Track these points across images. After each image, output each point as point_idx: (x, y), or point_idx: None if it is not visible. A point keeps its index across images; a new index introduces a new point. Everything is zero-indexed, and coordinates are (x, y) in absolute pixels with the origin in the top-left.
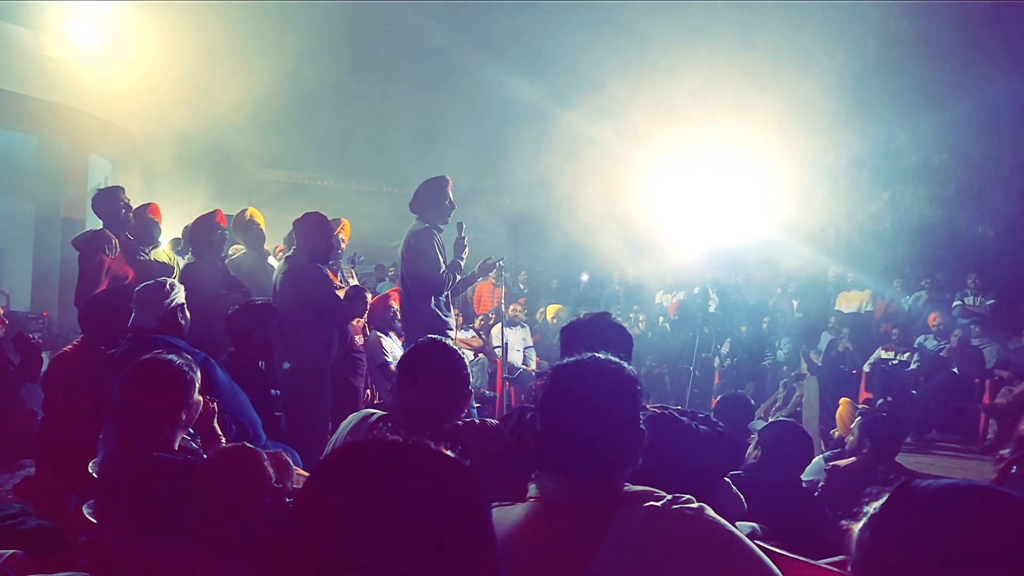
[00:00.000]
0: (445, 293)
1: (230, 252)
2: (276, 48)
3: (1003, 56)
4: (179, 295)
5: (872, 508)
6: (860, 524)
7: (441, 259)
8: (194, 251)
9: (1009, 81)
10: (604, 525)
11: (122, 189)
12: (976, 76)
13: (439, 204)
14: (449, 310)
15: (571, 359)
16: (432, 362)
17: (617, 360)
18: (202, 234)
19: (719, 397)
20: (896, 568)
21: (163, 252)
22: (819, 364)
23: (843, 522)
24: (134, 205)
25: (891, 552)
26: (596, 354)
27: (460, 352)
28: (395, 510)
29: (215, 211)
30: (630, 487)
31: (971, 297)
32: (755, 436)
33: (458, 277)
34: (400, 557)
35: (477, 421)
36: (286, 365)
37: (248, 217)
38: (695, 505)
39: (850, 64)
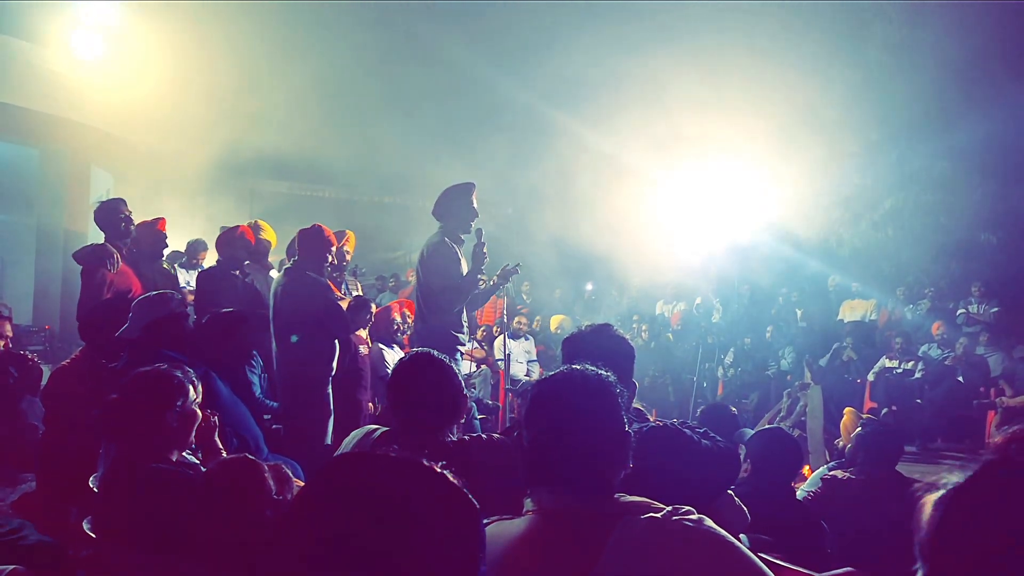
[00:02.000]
0: (459, 308)
1: None
2: (277, 60)
3: (1006, 64)
4: (171, 307)
5: (952, 480)
6: (936, 496)
7: (457, 272)
8: (217, 263)
9: (1012, 88)
10: (604, 536)
11: (123, 201)
12: (979, 83)
13: (462, 211)
14: (462, 326)
15: (549, 373)
16: (421, 377)
17: (593, 369)
18: (225, 248)
19: (700, 410)
20: (973, 546)
21: (166, 265)
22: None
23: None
24: (136, 217)
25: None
26: (573, 366)
27: (448, 361)
28: (383, 523)
29: (237, 226)
30: (626, 497)
31: (975, 305)
32: (743, 448)
33: (474, 291)
34: (387, 568)
35: (484, 436)
36: (294, 338)
37: (239, 235)
38: (695, 516)
39: (852, 72)
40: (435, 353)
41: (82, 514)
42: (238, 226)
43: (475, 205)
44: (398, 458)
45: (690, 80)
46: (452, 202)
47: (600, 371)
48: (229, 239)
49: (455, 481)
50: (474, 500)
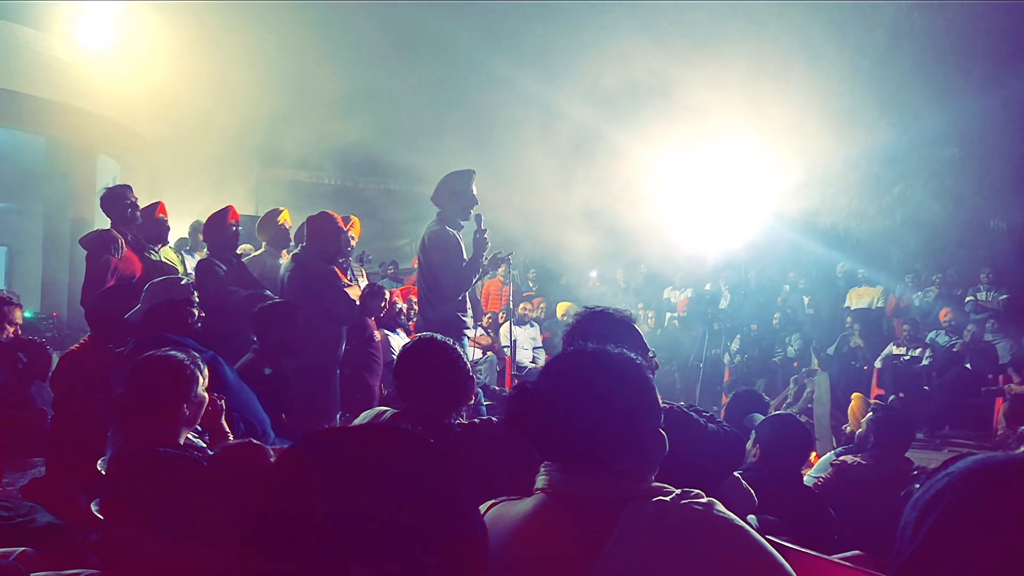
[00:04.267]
0: (463, 293)
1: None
2: (283, 48)
3: (1014, 49)
4: (180, 292)
5: (929, 485)
6: (916, 503)
7: (459, 258)
8: (208, 248)
9: (1021, 74)
10: (612, 519)
11: (129, 188)
12: (988, 69)
13: (461, 198)
14: (466, 310)
15: (571, 349)
16: (426, 361)
17: (622, 350)
18: (214, 230)
19: (731, 394)
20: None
21: (171, 251)
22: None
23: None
24: (141, 205)
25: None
26: (597, 346)
27: (452, 344)
28: (362, 493)
29: (227, 208)
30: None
31: (984, 292)
32: (753, 433)
33: (477, 276)
34: (367, 541)
35: (492, 420)
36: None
37: (280, 222)
38: (704, 500)
39: (861, 58)
40: (439, 337)
41: (92, 498)
42: (227, 208)
43: (474, 192)
44: (375, 425)
45: (700, 70)
46: (452, 188)
47: (628, 352)
48: (212, 223)
49: (432, 446)
50: (448, 463)
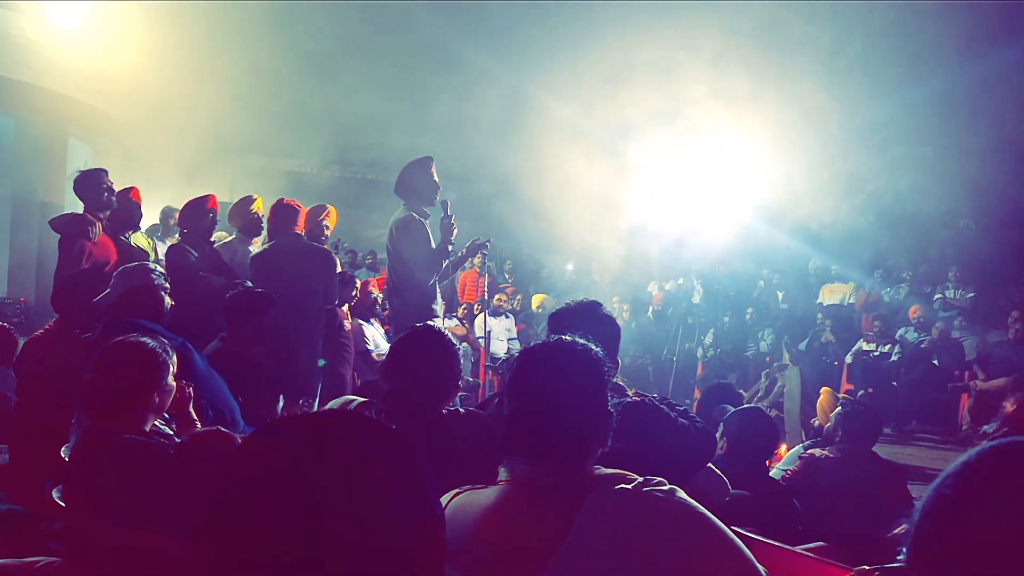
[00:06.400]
0: (433, 280)
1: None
2: (259, 32)
3: (990, 51)
4: (152, 279)
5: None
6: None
7: (427, 246)
8: (182, 233)
9: (995, 76)
10: (574, 508)
11: (105, 172)
12: (962, 70)
13: (424, 186)
14: (435, 298)
15: (537, 342)
16: (426, 352)
17: (584, 342)
18: (192, 217)
19: (705, 387)
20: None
21: (143, 237)
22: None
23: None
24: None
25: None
26: (563, 337)
27: (455, 344)
28: (323, 478)
29: (208, 195)
30: (603, 470)
31: (952, 290)
32: (721, 425)
33: (446, 262)
34: (327, 528)
35: (461, 410)
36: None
37: (253, 210)
38: (666, 487)
39: (835, 56)
40: (447, 333)
41: (56, 485)
42: (207, 196)
43: (436, 178)
44: (337, 411)
45: (673, 63)
46: (413, 178)
47: (589, 344)
48: (191, 208)
49: (391, 430)
50: (409, 445)
